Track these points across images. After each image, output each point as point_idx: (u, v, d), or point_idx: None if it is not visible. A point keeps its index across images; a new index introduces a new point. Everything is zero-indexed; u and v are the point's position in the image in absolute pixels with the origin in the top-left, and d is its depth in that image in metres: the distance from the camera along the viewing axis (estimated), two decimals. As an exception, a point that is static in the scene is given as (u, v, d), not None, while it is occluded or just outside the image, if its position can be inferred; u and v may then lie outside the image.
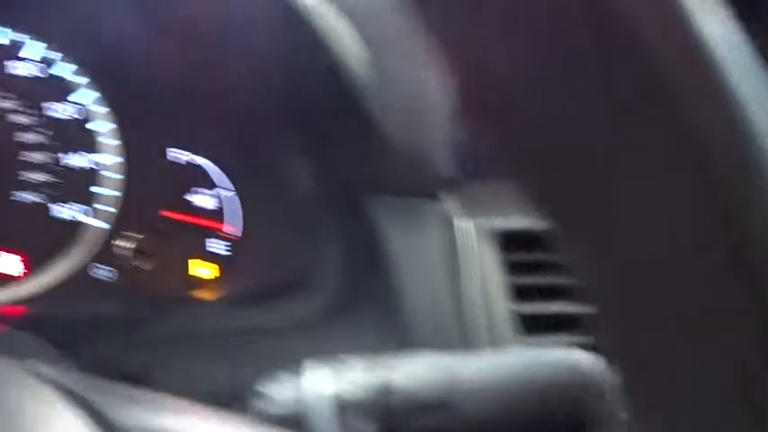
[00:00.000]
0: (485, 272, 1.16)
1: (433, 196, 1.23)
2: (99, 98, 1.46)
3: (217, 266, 1.51)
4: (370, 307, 1.18)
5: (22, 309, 1.38)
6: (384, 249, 1.21)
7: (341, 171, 1.27)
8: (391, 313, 1.15)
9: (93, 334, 1.13)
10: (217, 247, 1.52)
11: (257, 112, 1.34)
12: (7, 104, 1.43)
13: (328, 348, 1.06)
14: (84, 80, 1.45)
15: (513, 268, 1.06)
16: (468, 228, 1.19)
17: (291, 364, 1.01)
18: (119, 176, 1.47)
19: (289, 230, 1.36)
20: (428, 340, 1.12)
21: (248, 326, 1.19)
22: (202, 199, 1.51)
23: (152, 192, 1.47)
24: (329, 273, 1.25)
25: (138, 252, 1.48)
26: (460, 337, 1.12)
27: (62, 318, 1.25)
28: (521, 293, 1.02)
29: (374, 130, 1.19)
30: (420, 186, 1.23)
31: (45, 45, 1.44)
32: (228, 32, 1.26)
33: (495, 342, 1.12)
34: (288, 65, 1.22)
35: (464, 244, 1.19)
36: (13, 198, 1.43)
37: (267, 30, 1.20)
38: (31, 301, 1.42)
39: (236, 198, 1.50)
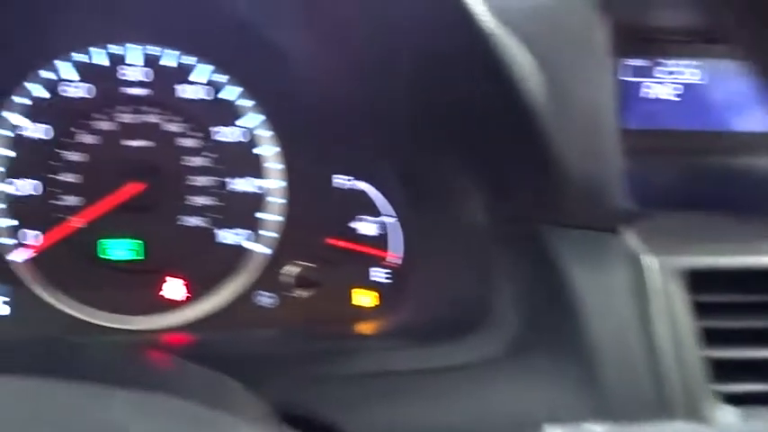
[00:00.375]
0: (673, 313, 1.10)
1: (612, 229, 1.18)
2: (264, 121, 1.47)
3: (377, 294, 1.49)
4: (552, 346, 1.13)
5: (186, 337, 1.39)
6: (565, 285, 1.15)
7: (515, 200, 1.23)
8: (575, 354, 1.10)
9: (276, 371, 1.12)
10: (379, 275, 1.48)
11: (424, 137, 1.31)
12: (175, 128, 1.45)
13: (510, 389, 1.09)
14: (249, 103, 1.46)
15: (703, 310, 1.00)
16: (653, 265, 1.13)
17: (476, 404, 1.04)
18: (283, 201, 1.47)
19: (457, 260, 1.32)
20: (615, 384, 1.07)
21: (429, 365, 1.16)
22: (366, 226, 1.50)
23: (316, 218, 1.46)
24: (506, 308, 1.21)
25: (300, 280, 1.47)
26: (650, 383, 1.07)
27: (238, 352, 1.25)
28: (711, 338, 0.97)
29: (551, 158, 1.14)
30: (599, 218, 1.18)
31: (212, 68, 1.45)
32: (399, 57, 1.24)
33: (687, 389, 1.06)
34: (461, 90, 1.20)
35: (651, 283, 1.13)
36: (179, 222, 1.46)
37: (441, 55, 1.18)
38: (193, 326, 1.44)
39: (398, 225, 1.47)
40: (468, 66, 1.13)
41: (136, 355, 1.08)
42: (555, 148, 1.12)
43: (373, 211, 1.48)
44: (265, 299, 1.47)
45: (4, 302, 1.38)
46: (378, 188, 1.46)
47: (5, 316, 1.37)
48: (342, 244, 1.46)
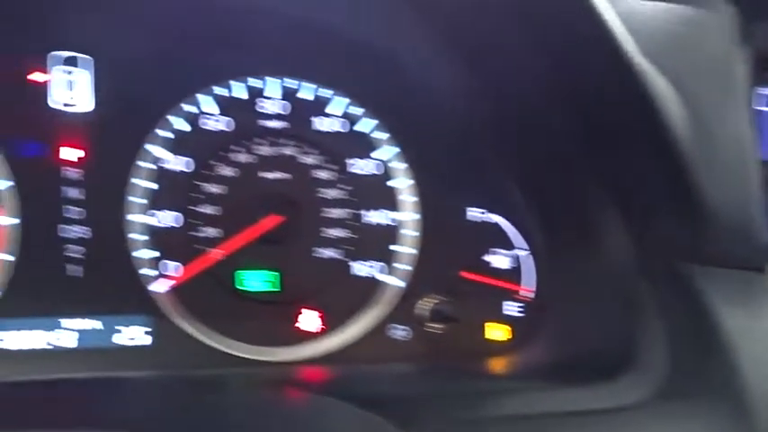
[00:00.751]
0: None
1: (759, 268, 1.16)
2: (398, 154, 1.50)
3: (509, 328, 1.51)
4: (703, 391, 1.12)
5: (323, 372, 1.43)
6: (714, 327, 1.15)
7: (658, 235, 1.21)
8: (728, 399, 1.09)
9: (416, 411, 1.12)
10: (511, 309, 1.51)
11: (566, 170, 1.32)
12: (311, 160, 1.49)
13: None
14: (384, 135, 1.49)
15: None
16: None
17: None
18: (417, 234, 1.49)
19: (598, 295, 1.32)
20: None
21: (572, 408, 1.15)
22: (499, 259, 1.51)
23: (450, 251, 1.48)
24: (654, 349, 1.19)
25: (434, 313, 1.49)
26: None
27: (376, 389, 1.28)
28: None
29: (695, 190, 1.14)
30: (746, 256, 1.17)
31: (348, 101, 1.49)
32: (541, 88, 1.25)
33: None
34: (607, 122, 1.20)
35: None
36: (314, 254, 1.49)
37: (587, 86, 1.20)
38: (328, 358, 1.47)
39: (530, 258, 1.49)
40: (614, 98, 1.13)
41: (281, 396, 1.13)
42: (699, 181, 1.12)
43: (507, 243, 1.49)
44: (399, 332, 1.50)
45: (146, 333, 1.43)
46: (511, 220, 1.48)
47: (147, 346, 1.42)
48: (476, 277, 1.47)
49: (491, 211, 1.50)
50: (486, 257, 1.49)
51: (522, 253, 1.49)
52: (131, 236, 1.43)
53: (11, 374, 1.31)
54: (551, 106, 1.22)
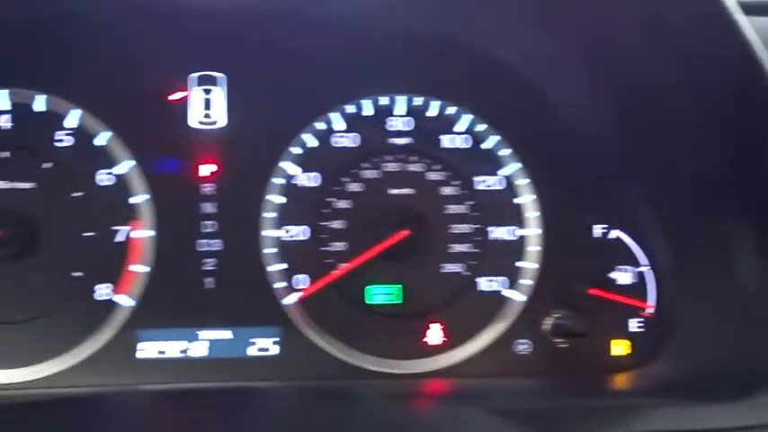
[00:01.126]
0: None
1: None
2: (521, 169, 1.54)
3: (629, 343, 1.54)
4: None
5: (447, 386, 1.47)
6: None
7: None
8: None
9: (543, 427, 1.14)
10: (634, 325, 1.54)
11: (694, 182, 1.33)
12: (437, 176, 1.53)
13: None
14: (507, 152, 1.53)
15: None
16: None
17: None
18: (541, 249, 1.53)
19: (728, 311, 1.33)
20: None
21: (707, 426, 1.17)
22: (624, 276, 1.54)
23: (574, 267, 1.51)
24: None
25: (558, 328, 1.52)
26: None
27: (503, 403, 1.30)
28: None
29: None
30: None
31: (472, 117, 1.54)
32: (671, 99, 1.27)
33: None
34: (738, 131, 1.21)
35: None
36: (439, 269, 1.53)
37: (720, 94, 1.22)
38: (451, 370, 1.51)
39: (652, 274, 1.52)
40: (758, 117, 1.15)
41: (410, 406, 1.17)
42: None
43: (632, 260, 1.52)
44: (522, 347, 1.53)
45: (275, 343, 1.48)
46: (634, 237, 1.51)
47: (277, 357, 1.48)
48: (603, 294, 1.50)
49: (615, 227, 1.53)
50: (612, 274, 1.52)
51: (645, 269, 1.51)
52: (265, 250, 1.48)
53: (147, 382, 1.41)
54: (691, 124, 1.25)
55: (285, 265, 1.49)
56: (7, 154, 1.45)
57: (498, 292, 1.52)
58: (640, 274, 1.52)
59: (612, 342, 1.52)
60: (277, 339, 1.50)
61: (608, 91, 1.37)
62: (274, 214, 1.50)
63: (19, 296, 1.44)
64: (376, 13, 1.43)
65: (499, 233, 1.53)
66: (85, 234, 1.47)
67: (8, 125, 1.46)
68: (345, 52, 1.48)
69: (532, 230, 1.53)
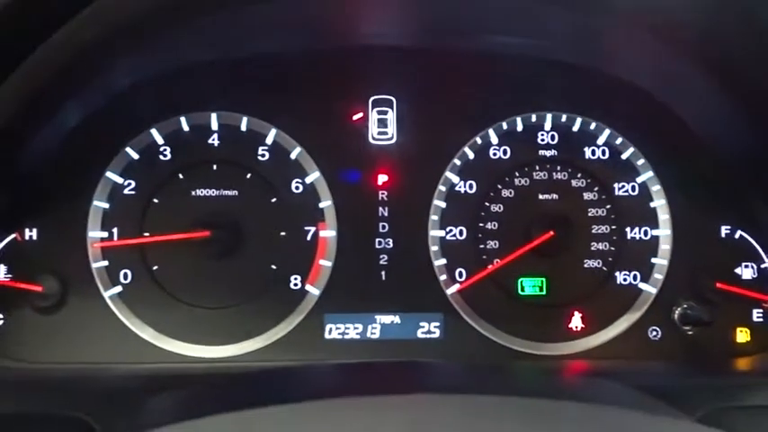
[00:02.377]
0: None
1: None
2: (654, 177, 1.74)
3: (748, 330, 1.73)
4: None
5: (588, 365, 1.66)
6: None
7: None
8: None
9: (679, 400, 1.24)
10: (757, 316, 1.73)
11: None
12: (580, 184, 1.75)
13: None
14: (641, 161, 1.72)
15: None
16: None
17: None
18: (671, 248, 1.72)
19: None
20: None
21: None
22: (749, 272, 1.74)
23: (702, 263, 1.70)
24: None
25: (685, 318, 1.72)
26: None
27: (638, 381, 1.39)
28: None
29: None
30: None
31: (610, 132, 1.75)
32: None
33: None
34: None
35: None
36: (580, 264, 1.74)
37: None
38: (590, 353, 1.72)
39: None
40: None
41: (561, 377, 1.33)
42: None
43: (754, 257, 1.71)
44: (654, 333, 1.73)
45: (438, 327, 1.67)
46: (757, 236, 1.68)
47: (438, 338, 1.67)
48: (729, 288, 1.67)
49: (740, 227, 1.70)
50: (737, 270, 1.69)
51: (767, 265, 1.69)
52: (430, 248, 1.67)
53: (332, 359, 1.61)
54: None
55: (446, 261, 1.67)
56: (215, 167, 1.65)
57: (633, 284, 1.69)
58: (762, 270, 1.70)
59: (736, 330, 1.70)
60: (440, 324, 1.68)
61: (734, 101, 1.49)
62: (437, 217, 1.68)
63: (226, 286, 1.63)
64: (526, 45, 1.63)
65: (635, 233, 1.70)
66: (281, 233, 1.66)
67: (216, 142, 1.67)
68: (501, 77, 1.67)
69: (664, 231, 1.70)
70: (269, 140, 1.66)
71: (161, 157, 1.64)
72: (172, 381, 1.41)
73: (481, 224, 1.68)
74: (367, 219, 1.66)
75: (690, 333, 1.69)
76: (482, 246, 1.69)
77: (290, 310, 1.66)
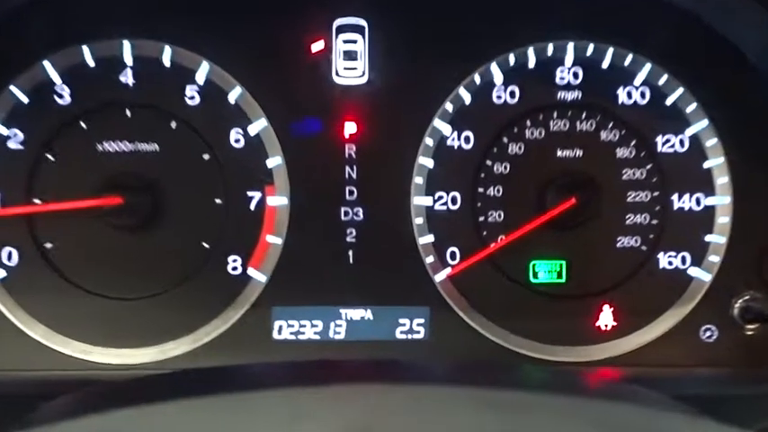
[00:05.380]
0: None
1: None
2: (709, 128, 1.58)
3: None
4: None
5: (619, 376, 1.52)
6: None
7: None
8: None
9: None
10: None
11: None
12: (612, 137, 1.58)
13: None
14: (692, 107, 1.56)
15: None
16: None
17: None
18: (730, 221, 1.57)
19: None
20: None
21: None
22: None
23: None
24: None
25: (744, 311, 1.57)
26: None
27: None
28: None
29: None
30: None
31: (651, 65, 1.57)
32: None
33: None
34: None
35: None
36: (611, 243, 1.58)
37: None
38: (622, 360, 1.58)
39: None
40: None
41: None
42: None
43: None
44: (707, 333, 1.58)
45: (422, 324, 1.57)
46: None
47: (423, 340, 1.56)
48: None
49: None
50: None
51: None
52: (416, 220, 1.55)
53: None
54: None
55: (434, 238, 1.56)
56: (128, 113, 1.53)
57: (681, 269, 1.57)
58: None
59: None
60: (425, 321, 1.58)
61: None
62: (423, 180, 1.56)
63: (143, 270, 1.55)
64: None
65: (683, 202, 1.58)
66: (215, 201, 1.55)
67: (129, 81, 1.54)
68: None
69: (722, 199, 1.56)
70: (200, 78, 1.55)
71: (57, 99, 1.53)
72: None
73: (481, 189, 1.58)
74: (329, 182, 1.56)
75: (752, 332, 1.56)
76: (482, 218, 1.58)
77: (228, 302, 1.57)
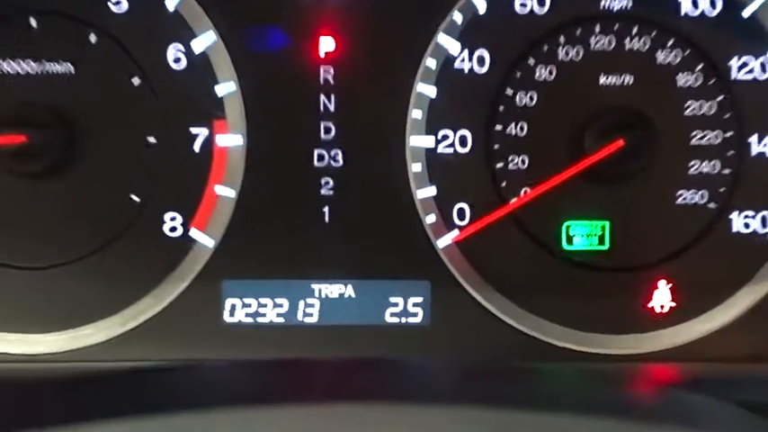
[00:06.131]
0: None
1: None
2: None
3: None
4: None
5: (679, 373, 1.41)
6: None
7: None
8: None
9: None
10: None
11: None
12: (673, 59, 1.42)
13: None
14: None
15: None
16: None
17: None
18: None
19: None
20: None
21: None
22: None
23: None
24: None
25: None
26: None
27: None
28: None
29: None
30: None
31: None
32: None
33: None
34: None
35: None
36: (671, 200, 1.42)
37: None
38: (681, 352, 1.44)
39: None
40: None
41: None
42: None
43: None
44: None
45: (418, 305, 1.42)
46: None
47: (421, 324, 1.42)
48: None
49: None
50: None
51: None
52: (412, 167, 1.40)
53: (241, 354, 1.37)
54: None
55: (436, 191, 1.41)
56: (33, 23, 1.39)
57: (759, 234, 1.45)
58: None
59: None
60: (424, 300, 1.43)
61: None
62: (422, 114, 1.41)
63: (52, 230, 1.43)
64: None
65: (764, 146, 1.44)
66: (148, 139, 1.42)
67: None
68: None
69: None
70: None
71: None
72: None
73: (499, 127, 1.42)
74: (298, 116, 1.42)
75: None
76: (500, 165, 1.43)
77: (163, 274, 1.44)
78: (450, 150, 1.45)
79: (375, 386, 1.03)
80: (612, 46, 1.43)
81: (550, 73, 1.43)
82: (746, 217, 1.45)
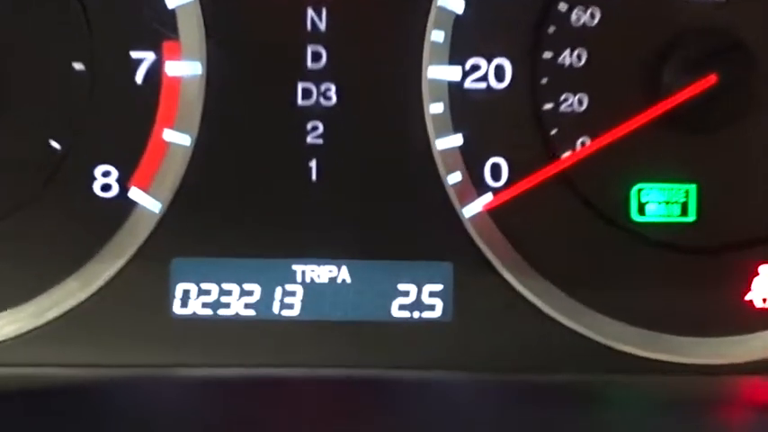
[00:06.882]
0: None
1: None
2: None
3: None
4: None
5: None
6: None
7: None
8: None
9: None
10: None
11: None
12: None
13: None
14: None
15: None
16: None
17: None
18: None
19: None
20: None
21: None
22: None
23: None
24: None
25: None
26: None
27: None
28: None
29: None
30: None
31: None
32: None
33: None
34: None
35: None
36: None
37: None
38: None
39: None
40: None
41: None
42: None
43: None
44: None
45: (436, 294, 1.27)
46: None
47: (441, 320, 1.27)
48: None
49: None
50: None
51: None
52: (431, 107, 1.26)
53: (185, 364, 1.28)
54: None
55: (462, 140, 1.27)
56: None
57: None
58: None
59: None
60: (444, 288, 1.29)
61: None
62: (444, 37, 1.27)
63: None
64: None
65: None
66: (73, 67, 1.27)
67: None
68: None
69: None
70: None
71: None
72: None
73: (547, 55, 1.27)
74: (277, 35, 1.27)
75: None
76: (548, 106, 1.27)
77: (93, 248, 1.29)
78: (483, 85, 1.30)
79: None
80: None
81: (607, -13, 1.27)
82: None
